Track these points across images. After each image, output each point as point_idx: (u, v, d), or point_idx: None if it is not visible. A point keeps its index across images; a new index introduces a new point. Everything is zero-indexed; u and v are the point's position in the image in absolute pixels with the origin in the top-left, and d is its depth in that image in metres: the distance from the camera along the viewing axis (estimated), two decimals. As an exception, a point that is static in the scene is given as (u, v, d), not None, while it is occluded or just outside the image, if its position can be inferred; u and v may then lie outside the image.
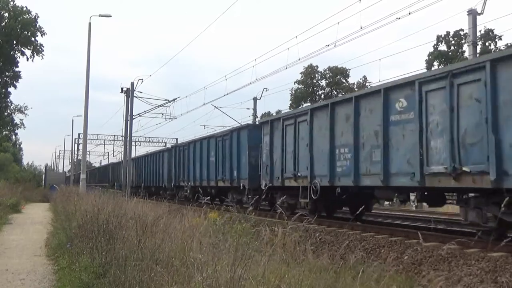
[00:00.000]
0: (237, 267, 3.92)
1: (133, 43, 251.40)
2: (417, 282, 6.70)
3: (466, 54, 25.74)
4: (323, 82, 51.09)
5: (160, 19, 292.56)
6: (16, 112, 33.15)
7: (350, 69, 47.68)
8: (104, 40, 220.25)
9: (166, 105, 30.40)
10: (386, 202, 17.96)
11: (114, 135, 54.83)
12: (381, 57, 64.48)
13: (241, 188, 16.70)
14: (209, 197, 20.18)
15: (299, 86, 50.54)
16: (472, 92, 8.05)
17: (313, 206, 12.67)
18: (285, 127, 14.08)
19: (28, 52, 29.09)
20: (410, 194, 10.55)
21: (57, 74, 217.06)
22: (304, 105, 46.55)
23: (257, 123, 20.89)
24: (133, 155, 35.89)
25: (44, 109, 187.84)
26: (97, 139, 54.10)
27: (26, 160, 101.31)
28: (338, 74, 49.71)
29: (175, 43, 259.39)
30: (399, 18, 14.87)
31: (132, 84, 28.82)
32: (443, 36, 36.48)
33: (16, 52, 29.38)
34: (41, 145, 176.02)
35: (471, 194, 8.77)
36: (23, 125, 34.45)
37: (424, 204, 13.25)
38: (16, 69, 30.32)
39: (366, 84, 45.28)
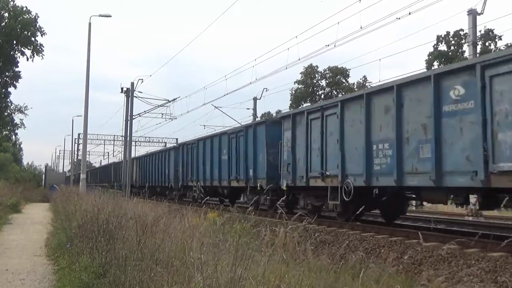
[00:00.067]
0: (237, 267, 3.92)
1: (133, 43, 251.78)
2: (417, 282, 6.69)
3: (466, 54, 25.74)
4: (323, 82, 51.20)
5: (160, 19, 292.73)
6: (16, 112, 33.22)
7: (350, 69, 47.88)
8: (104, 40, 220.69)
9: (166, 105, 30.47)
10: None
11: (114, 135, 55.07)
12: (381, 57, 64.60)
13: (258, 188, 15.49)
14: (217, 198, 20.17)
15: (299, 86, 50.63)
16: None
17: (343, 209, 11.43)
18: (310, 122, 12.78)
19: (28, 52, 29.16)
20: (470, 196, 9.15)
21: (57, 74, 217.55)
22: (304, 105, 46.62)
23: (276, 117, 18.72)
24: (133, 155, 35.86)
25: (44, 109, 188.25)
26: (97, 139, 54.27)
27: (26, 160, 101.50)
28: (338, 74, 49.79)
29: (175, 43, 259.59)
30: (399, 18, 14.90)
31: (132, 84, 28.86)
32: (443, 36, 36.55)
33: (16, 52, 29.42)
34: (41, 145, 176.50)
35: None
36: (23, 125, 34.50)
37: (425, 203, 12.86)
38: (16, 69, 30.39)
39: (366, 84, 45.32)
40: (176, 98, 30.05)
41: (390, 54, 77.66)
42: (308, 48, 77.20)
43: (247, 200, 16.86)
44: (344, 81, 50.72)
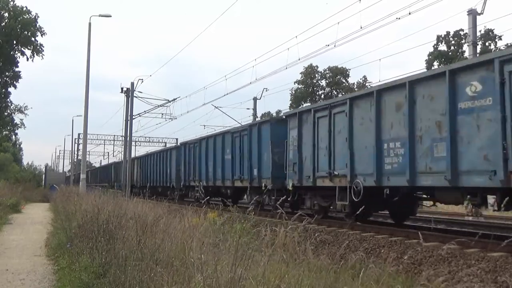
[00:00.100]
0: (237, 267, 3.92)
1: (133, 43, 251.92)
2: (417, 282, 6.69)
3: (466, 54, 25.77)
4: (323, 82, 51.23)
5: (160, 19, 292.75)
6: (16, 112, 33.23)
7: (350, 69, 47.92)
8: (104, 40, 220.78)
9: (166, 105, 30.49)
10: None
11: (114, 135, 55.07)
12: (381, 57, 64.73)
13: (263, 188, 15.09)
14: (219, 198, 19.94)
15: (299, 86, 50.65)
16: None
17: (352, 209, 10.90)
18: (317, 120, 12.41)
19: (28, 52, 29.18)
20: (488, 196, 8.65)
21: (57, 74, 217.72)
22: (304, 105, 46.62)
23: (281, 116, 18.07)
24: (133, 155, 35.84)
25: (44, 109, 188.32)
26: (97, 139, 54.27)
27: (26, 160, 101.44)
28: (338, 74, 49.82)
29: (175, 43, 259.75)
30: (399, 18, 14.91)
31: (132, 84, 28.87)
32: (443, 36, 36.57)
33: (16, 52, 29.44)
34: (41, 145, 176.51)
35: None
36: (23, 125, 34.52)
37: (425, 203, 12.68)
38: (16, 69, 30.41)
39: (366, 84, 45.33)
40: (176, 98, 30.12)
41: (390, 54, 77.89)
42: (308, 48, 77.36)
43: (250, 200, 16.36)
44: (344, 81, 50.74)
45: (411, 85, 9.39)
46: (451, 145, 8.40)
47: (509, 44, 30.73)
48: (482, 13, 19.24)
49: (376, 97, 10.27)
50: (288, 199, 13.27)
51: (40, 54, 29.17)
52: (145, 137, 49.85)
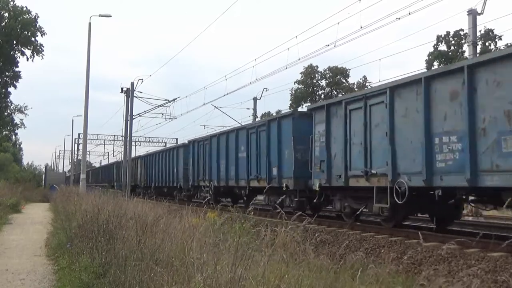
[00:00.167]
0: (237, 267, 3.93)
1: (133, 43, 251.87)
2: (416, 282, 6.70)
3: (466, 54, 25.75)
4: (323, 82, 51.18)
5: (160, 19, 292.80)
6: (16, 112, 33.24)
7: (350, 69, 47.84)
8: (104, 40, 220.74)
9: (166, 105, 30.47)
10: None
11: (114, 135, 55.09)
12: (381, 57, 64.57)
13: (284, 188, 13.96)
14: (229, 198, 19.21)
15: (299, 86, 50.62)
16: None
17: (392, 213, 10.06)
18: (349, 112, 11.25)
19: (28, 52, 29.19)
20: None
21: (57, 74, 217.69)
22: (304, 105, 46.63)
23: (306, 110, 16.00)
24: (133, 155, 35.80)
25: (44, 109, 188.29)
26: (97, 139, 54.32)
27: (26, 160, 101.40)
28: (338, 74, 49.78)
29: (175, 43, 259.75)
30: (399, 18, 14.90)
31: (132, 84, 28.87)
32: (443, 36, 36.54)
33: (16, 52, 29.46)
34: (41, 145, 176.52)
35: None
36: (23, 125, 34.53)
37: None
38: (16, 69, 30.43)
39: (366, 84, 45.32)
40: (176, 98, 30.09)
41: (390, 54, 77.70)
42: (308, 48, 77.31)
43: (268, 202, 15.56)
44: (344, 81, 50.73)
45: (471, 69, 8.20)
46: None
47: (509, 44, 30.72)
48: (482, 13, 19.26)
49: (424, 84, 9.05)
50: (314, 200, 12.45)
51: (40, 54, 29.22)
52: (145, 137, 49.94)
